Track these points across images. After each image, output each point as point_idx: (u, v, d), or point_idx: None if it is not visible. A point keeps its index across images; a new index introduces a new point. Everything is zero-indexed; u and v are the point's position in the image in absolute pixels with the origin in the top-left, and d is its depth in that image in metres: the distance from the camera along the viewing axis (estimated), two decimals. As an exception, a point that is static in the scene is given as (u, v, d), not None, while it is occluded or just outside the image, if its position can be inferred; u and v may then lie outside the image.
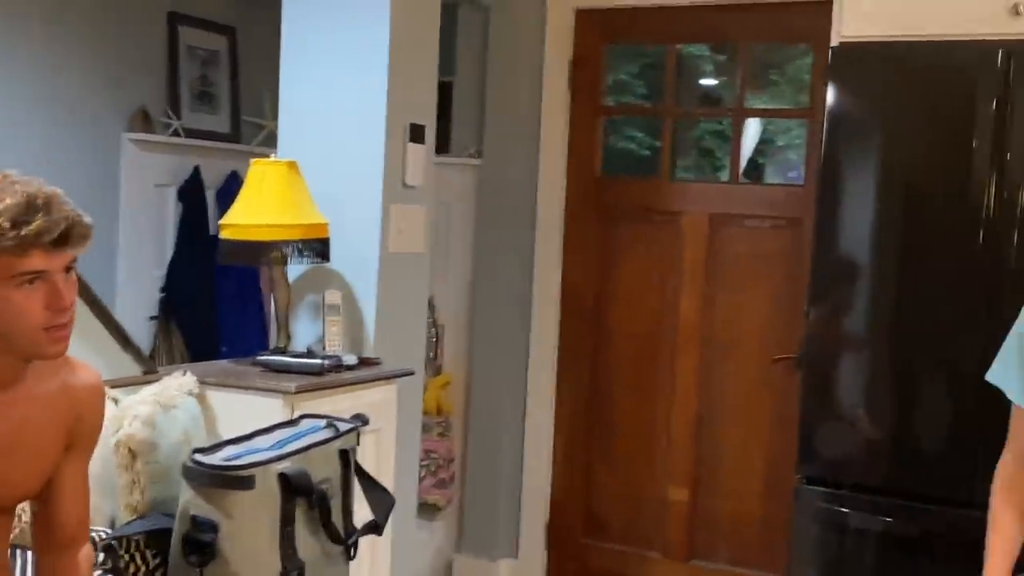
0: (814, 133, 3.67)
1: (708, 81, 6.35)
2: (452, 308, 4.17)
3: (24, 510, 2.00)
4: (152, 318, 4.06)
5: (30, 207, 1.57)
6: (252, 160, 2.94)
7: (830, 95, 2.99)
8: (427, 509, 3.99)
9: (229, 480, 2.03)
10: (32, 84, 3.70)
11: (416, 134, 3.10)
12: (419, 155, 3.13)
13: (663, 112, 4.14)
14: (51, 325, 1.62)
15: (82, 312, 2.33)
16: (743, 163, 4.34)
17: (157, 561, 2.17)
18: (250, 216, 2.87)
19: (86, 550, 1.83)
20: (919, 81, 2.95)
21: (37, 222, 1.56)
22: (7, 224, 1.55)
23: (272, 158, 2.95)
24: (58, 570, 1.82)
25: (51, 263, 1.60)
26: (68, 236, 1.60)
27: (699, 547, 3.91)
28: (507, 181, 4.08)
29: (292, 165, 2.91)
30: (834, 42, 3.17)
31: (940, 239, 2.91)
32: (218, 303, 4.28)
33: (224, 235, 2.88)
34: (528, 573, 4.13)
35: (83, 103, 3.86)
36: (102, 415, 1.88)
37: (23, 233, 1.55)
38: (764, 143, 6.52)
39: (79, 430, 1.81)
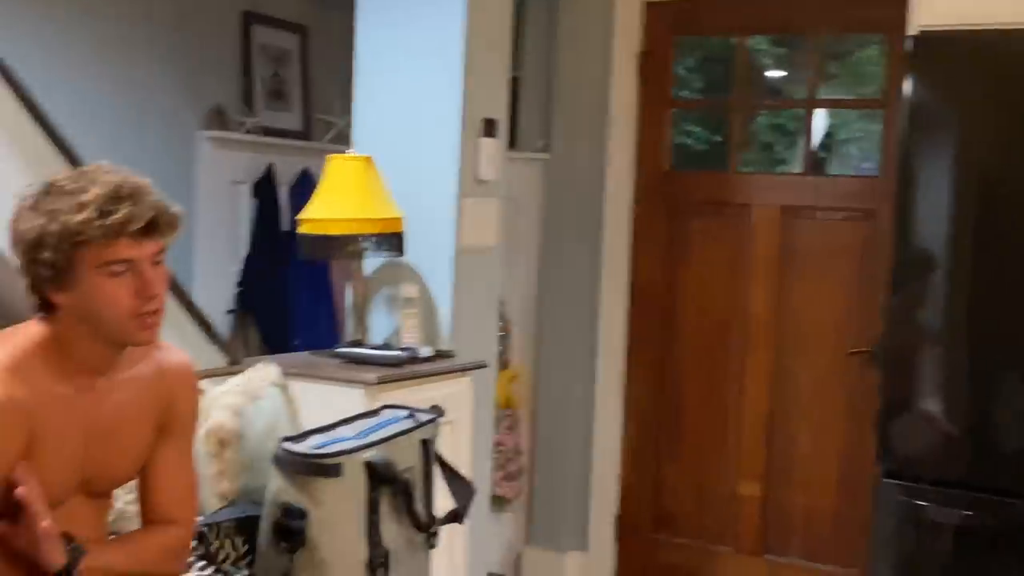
0: (889, 124, 3.64)
1: (771, 74, 6.30)
2: (519, 302, 4.18)
3: (117, 497, 2.05)
4: (229, 312, 4.13)
5: (117, 196, 1.61)
6: (329, 156, 2.99)
7: (909, 86, 2.95)
8: (496, 502, 4.01)
9: (318, 468, 2.06)
10: (112, 83, 3.79)
11: (489, 129, 3.13)
12: (492, 150, 3.16)
13: (732, 105, 4.12)
14: (140, 313, 1.66)
15: (169, 304, 2.38)
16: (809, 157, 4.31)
17: (246, 548, 2.21)
18: (328, 211, 2.91)
19: (178, 531, 1.87)
20: (1000, 71, 2.90)
21: (123, 211, 1.60)
22: (94, 213, 1.59)
23: (349, 153, 2.99)
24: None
25: (139, 252, 1.63)
26: (155, 225, 1.64)
27: (771, 541, 3.89)
28: (575, 175, 4.09)
29: (368, 160, 2.94)
30: (910, 32, 3.13)
31: (1021, 231, 2.86)
32: (290, 297, 4.34)
33: (303, 229, 2.93)
34: (597, 566, 4.14)
35: (161, 102, 3.94)
36: (195, 398, 1.92)
37: (109, 222, 1.59)
38: (825, 137, 6.45)
39: (172, 413, 1.85)
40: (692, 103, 4.90)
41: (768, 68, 6.20)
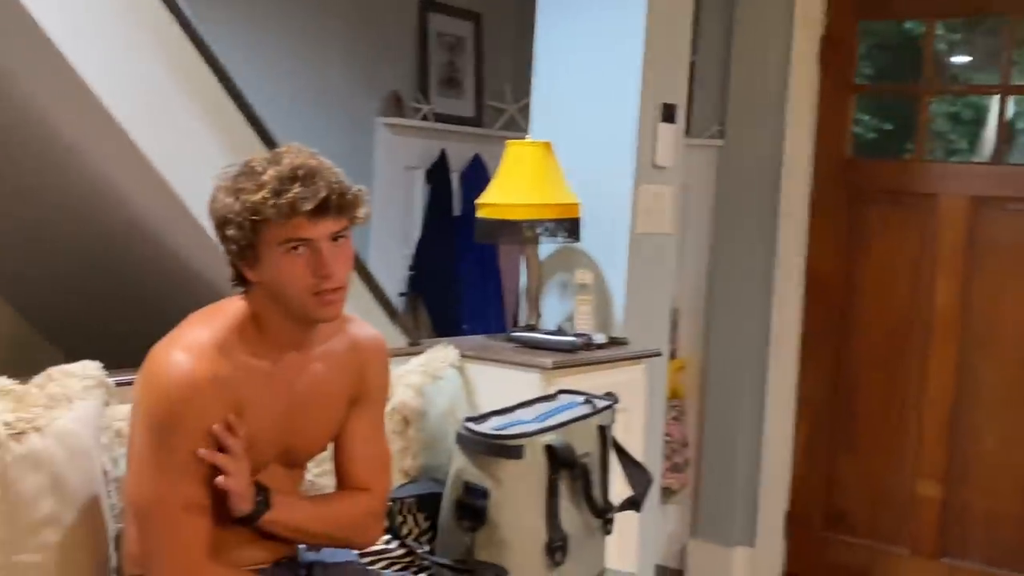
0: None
1: (948, 60, 6.04)
2: (688, 291, 4.13)
3: (308, 469, 2.12)
4: (401, 294, 4.22)
5: (293, 177, 1.66)
6: (508, 141, 3.00)
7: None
8: (662, 493, 3.98)
9: (500, 449, 2.08)
10: (295, 72, 3.91)
11: (668, 114, 3.08)
12: (670, 135, 3.11)
13: (920, 90, 3.96)
14: (319, 291, 1.70)
15: (354, 284, 2.45)
16: (990, 146, 4.11)
17: (428, 524, 2.25)
18: (506, 196, 2.92)
19: (370, 499, 1.91)
20: None
21: (295, 191, 1.65)
22: (269, 193, 1.65)
23: (527, 139, 3.00)
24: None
25: (314, 231, 1.68)
26: (327, 205, 1.67)
27: (951, 545, 3.74)
28: (750, 162, 4.00)
29: (546, 146, 2.94)
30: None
31: None
32: (459, 282, 4.40)
33: (481, 214, 2.95)
34: (765, 562, 4.06)
35: (341, 89, 4.05)
36: (386, 371, 1.96)
37: (282, 201, 1.65)
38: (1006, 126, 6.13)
39: (364, 385, 1.90)
40: (876, 88, 4.71)
41: (943, 54, 5.95)
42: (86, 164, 2.48)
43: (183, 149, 2.37)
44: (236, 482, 1.69)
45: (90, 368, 1.91)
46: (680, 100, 3.15)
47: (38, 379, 1.84)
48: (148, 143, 2.30)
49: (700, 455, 4.15)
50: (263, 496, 1.74)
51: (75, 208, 2.66)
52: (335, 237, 1.71)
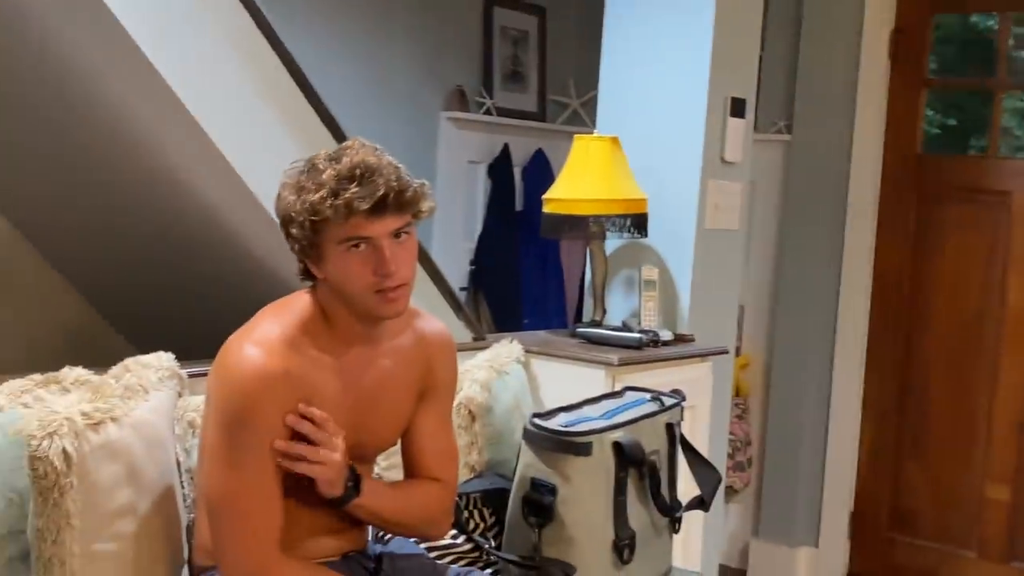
0: None
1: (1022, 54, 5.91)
2: (752, 288, 4.08)
3: (377, 462, 2.13)
4: (463, 289, 4.22)
5: (351, 177, 1.66)
6: (576, 136, 2.98)
7: None
8: (724, 491, 3.94)
9: (568, 445, 2.06)
10: (360, 66, 3.92)
11: (737, 108, 3.04)
12: (739, 130, 3.07)
13: (994, 86, 3.88)
14: (381, 288, 1.70)
15: (421, 278, 2.44)
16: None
17: (493, 519, 2.25)
18: (573, 190, 2.91)
19: (440, 490, 1.91)
20: None
21: (352, 191, 1.64)
22: (327, 193, 1.65)
23: (595, 133, 2.98)
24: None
25: (374, 229, 1.67)
26: (385, 204, 1.66)
27: (1020, 549, 3.67)
28: (817, 158, 3.95)
29: (615, 141, 2.92)
30: None
31: None
32: (521, 276, 4.39)
33: (547, 209, 2.94)
34: (828, 563, 4.01)
35: (406, 83, 4.05)
36: (454, 364, 1.95)
37: (340, 201, 1.64)
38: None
39: (431, 379, 1.90)
40: (948, 83, 4.61)
41: (1012, 48, 5.82)
42: (168, 165, 2.52)
43: (258, 145, 2.39)
44: (322, 470, 1.69)
45: (165, 359, 1.93)
46: (749, 94, 3.11)
47: (115, 370, 1.87)
48: (226, 142, 2.32)
49: (763, 454, 4.11)
50: (354, 481, 1.75)
51: (158, 208, 2.70)
52: (397, 233, 1.70)
